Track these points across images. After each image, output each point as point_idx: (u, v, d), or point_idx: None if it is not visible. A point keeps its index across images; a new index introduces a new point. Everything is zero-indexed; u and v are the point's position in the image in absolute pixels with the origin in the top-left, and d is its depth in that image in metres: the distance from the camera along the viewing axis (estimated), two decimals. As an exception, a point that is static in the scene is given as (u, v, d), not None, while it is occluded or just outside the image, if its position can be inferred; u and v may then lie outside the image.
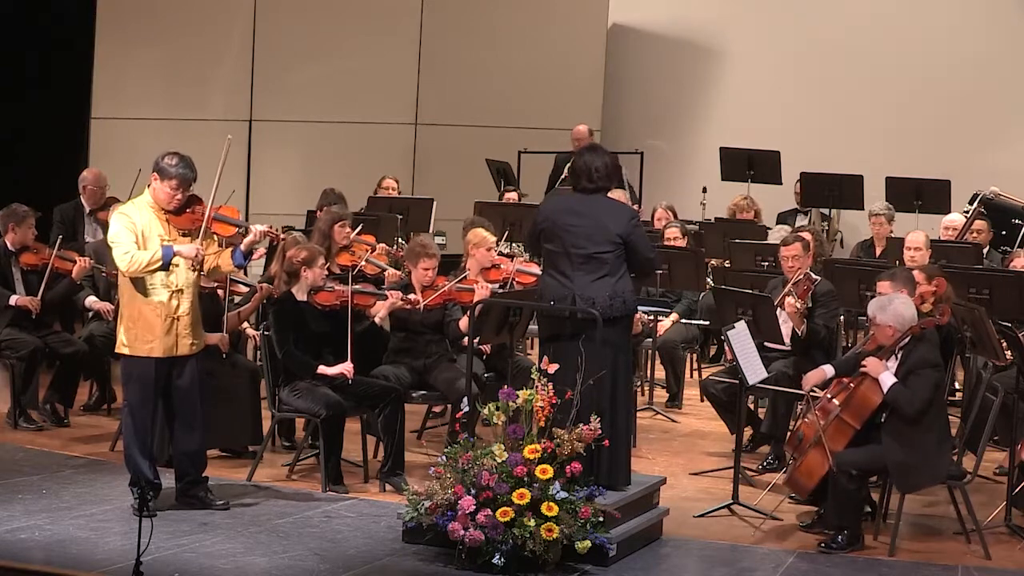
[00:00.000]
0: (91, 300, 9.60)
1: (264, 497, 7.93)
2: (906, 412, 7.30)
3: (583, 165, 7.37)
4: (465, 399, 7.32)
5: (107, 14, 15.16)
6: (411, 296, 8.77)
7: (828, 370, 7.78)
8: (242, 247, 7.47)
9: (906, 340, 7.46)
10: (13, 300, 9.34)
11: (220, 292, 8.80)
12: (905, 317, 7.49)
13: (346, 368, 8.16)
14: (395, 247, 11.02)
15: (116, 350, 7.52)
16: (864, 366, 7.49)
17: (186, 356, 7.46)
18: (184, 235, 7.42)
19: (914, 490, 7.44)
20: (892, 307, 7.54)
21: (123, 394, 7.60)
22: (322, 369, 8.15)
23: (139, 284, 7.35)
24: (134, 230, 7.33)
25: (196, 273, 7.47)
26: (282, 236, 8.37)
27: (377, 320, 8.71)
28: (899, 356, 7.46)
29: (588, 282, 7.16)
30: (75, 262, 9.45)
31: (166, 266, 7.30)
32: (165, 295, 7.36)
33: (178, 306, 7.39)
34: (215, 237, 7.55)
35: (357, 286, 8.55)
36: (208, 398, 7.80)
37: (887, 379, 7.37)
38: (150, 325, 7.34)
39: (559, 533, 6.68)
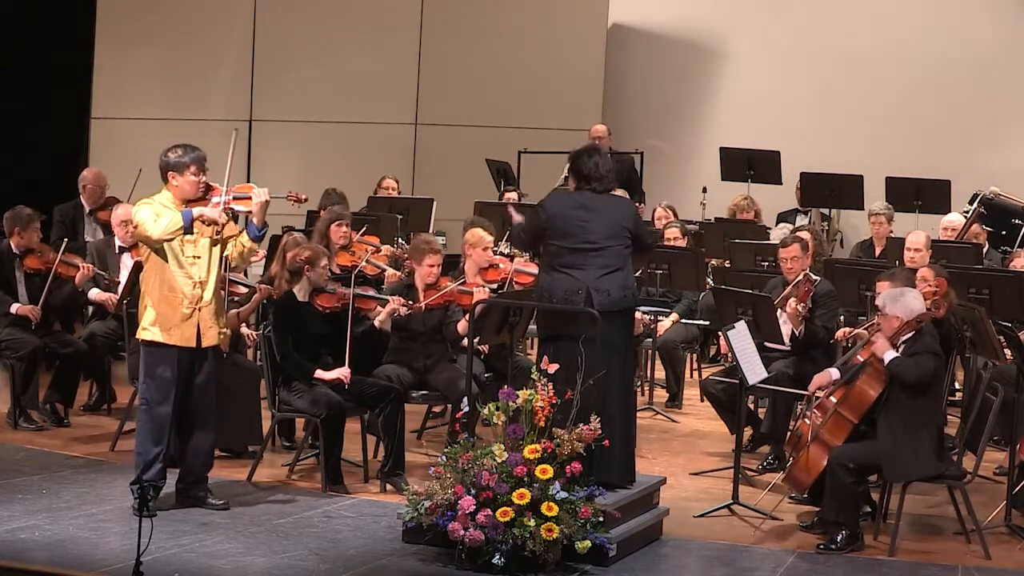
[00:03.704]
0: (94, 293, 9.60)
1: (264, 497, 7.93)
2: (908, 379, 7.32)
3: (591, 167, 7.45)
4: (465, 399, 7.32)
5: (107, 14, 15.15)
6: (411, 303, 8.76)
7: (834, 373, 7.79)
8: (255, 220, 7.50)
9: (908, 335, 7.48)
10: (14, 308, 9.34)
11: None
12: (914, 310, 7.54)
13: (343, 373, 8.16)
14: (396, 247, 11.01)
15: (137, 335, 7.54)
16: (872, 343, 7.52)
17: (207, 349, 7.49)
18: (207, 225, 7.45)
19: (903, 480, 7.43)
20: (903, 299, 7.58)
21: (142, 387, 7.56)
22: (319, 374, 8.15)
23: (163, 273, 7.39)
24: (160, 213, 7.39)
25: (218, 265, 7.50)
26: (303, 197, 8.39)
27: (377, 324, 8.72)
28: (900, 350, 7.48)
29: (601, 275, 7.25)
30: (78, 268, 9.46)
31: (188, 228, 7.32)
32: (188, 285, 7.41)
33: (200, 296, 7.43)
34: (233, 222, 7.59)
35: (358, 290, 8.55)
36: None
37: (890, 354, 7.41)
38: (172, 311, 7.38)
39: (559, 533, 6.68)
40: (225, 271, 7.95)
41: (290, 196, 7.90)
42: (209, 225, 7.42)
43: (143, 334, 7.47)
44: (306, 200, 8.27)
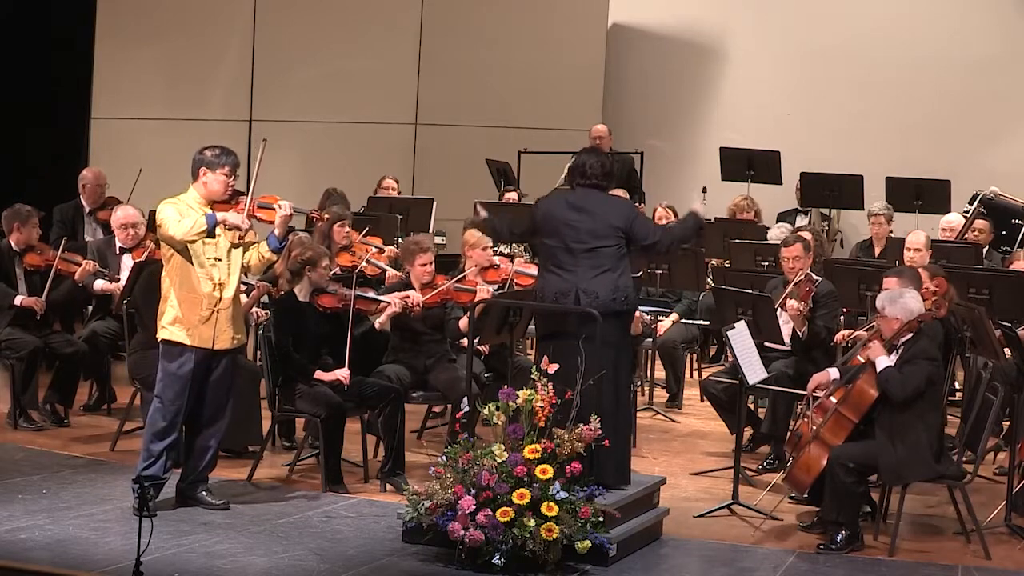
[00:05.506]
0: (100, 284, 9.60)
1: (264, 497, 7.94)
2: (895, 396, 7.31)
3: (579, 163, 7.52)
4: (465, 399, 7.33)
5: (107, 14, 15.15)
6: (410, 295, 8.75)
7: (833, 372, 7.79)
8: (276, 232, 7.53)
9: (907, 336, 7.47)
10: (19, 300, 9.36)
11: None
12: (914, 312, 7.52)
13: (342, 375, 8.17)
14: (397, 248, 11.01)
15: (157, 335, 7.54)
16: (868, 347, 7.51)
17: (225, 350, 7.50)
18: (229, 229, 7.47)
19: (900, 483, 7.42)
20: (903, 300, 7.56)
21: (158, 384, 7.54)
22: (319, 375, 8.16)
23: (184, 273, 7.41)
24: (184, 213, 7.41)
25: (239, 269, 7.53)
26: (325, 216, 8.41)
27: (377, 326, 8.71)
28: (900, 351, 7.48)
29: (590, 276, 7.23)
30: (79, 264, 9.47)
31: (211, 231, 7.35)
32: (208, 286, 7.42)
33: (219, 298, 7.45)
34: (255, 232, 7.61)
35: (359, 291, 8.55)
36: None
37: (883, 362, 7.39)
38: (191, 311, 7.39)
39: (559, 533, 6.69)
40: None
41: (312, 214, 7.99)
42: (231, 230, 7.43)
43: (162, 333, 7.48)
44: (327, 219, 8.43)
